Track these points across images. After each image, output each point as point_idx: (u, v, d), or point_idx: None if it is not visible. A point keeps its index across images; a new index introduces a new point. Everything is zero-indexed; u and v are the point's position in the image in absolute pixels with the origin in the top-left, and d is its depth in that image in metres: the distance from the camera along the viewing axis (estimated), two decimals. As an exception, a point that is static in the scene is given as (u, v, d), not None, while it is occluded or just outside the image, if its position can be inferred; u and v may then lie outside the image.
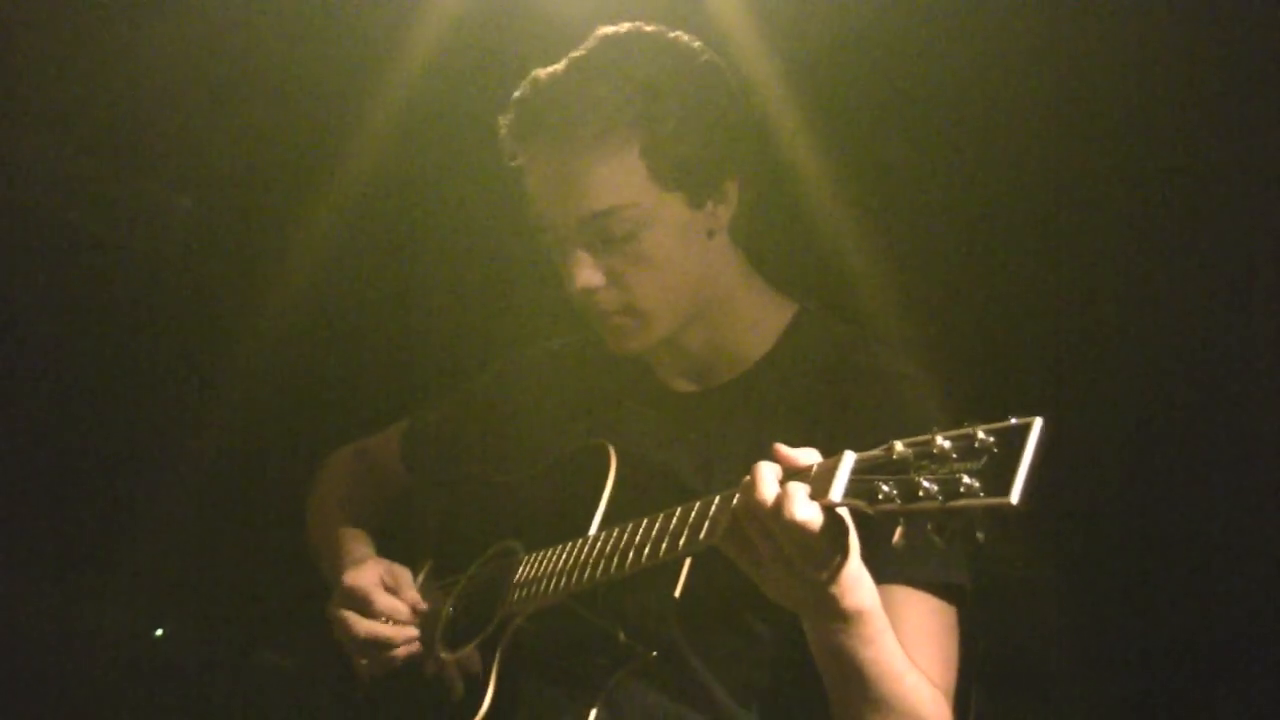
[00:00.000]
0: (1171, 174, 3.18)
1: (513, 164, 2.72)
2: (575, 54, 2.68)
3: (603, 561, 2.45)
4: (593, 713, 2.53)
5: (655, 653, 2.53)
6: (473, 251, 3.89)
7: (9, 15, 3.47)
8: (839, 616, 2.24)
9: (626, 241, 2.63)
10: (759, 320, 2.75)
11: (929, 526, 2.01)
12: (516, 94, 2.71)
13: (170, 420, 3.93)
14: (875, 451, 2.09)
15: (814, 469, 2.17)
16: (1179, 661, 3.18)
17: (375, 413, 3.29)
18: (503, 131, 2.73)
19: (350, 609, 2.79)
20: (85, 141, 3.38)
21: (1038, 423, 1.94)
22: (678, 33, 2.71)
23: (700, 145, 2.63)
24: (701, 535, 2.27)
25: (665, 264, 2.65)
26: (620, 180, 2.61)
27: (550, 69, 2.68)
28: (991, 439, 1.96)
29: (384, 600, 2.78)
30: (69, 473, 3.92)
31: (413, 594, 2.80)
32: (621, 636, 2.54)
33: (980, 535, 1.98)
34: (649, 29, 2.71)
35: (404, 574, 2.84)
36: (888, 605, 2.32)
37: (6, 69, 3.39)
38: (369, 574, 2.83)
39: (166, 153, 3.70)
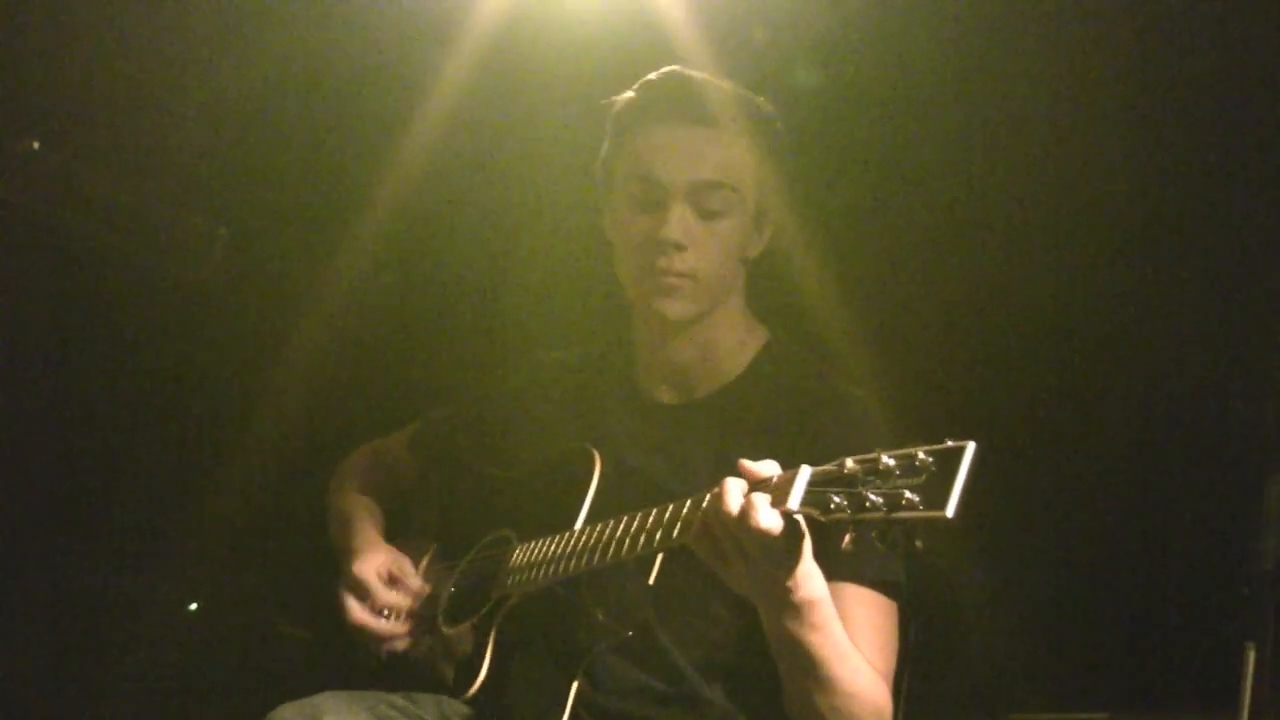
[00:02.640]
0: (1137, 193, 3.44)
1: (623, 138, 2.96)
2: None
3: (587, 552, 2.68)
4: (575, 683, 2.74)
5: (631, 632, 2.75)
6: (494, 275, 4.08)
7: (57, 49, 3.62)
8: (792, 605, 2.48)
9: (715, 218, 2.90)
10: (740, 342, 3.00)
11: (874, 534, 2.23)
12: (647, 79, 2.97)
13: (207, 424, 4.15)
14: (829, 467, 2.30)
15: (774, 480, 2.39)
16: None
17: (396, 418, 3.49)
18: (620, 107, 2.98)
19: (354, 596, 3.07)
20: (129, 172, 3.54)
21: (970, 446, 2.15)
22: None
23: (775, 177, 2.93)
24: (675, 534, 2.50)
25: (726, 252, 2.93)
26: (740, 164, 2.91)
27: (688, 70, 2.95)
28: (930, 459, 2.17)
29: (383, 595, 3.06)
30: (115, 468, 4.15)
31: (413, 583, 3.06)
32: (601, 617, 2.74)
33: (919, 543, 2.20)
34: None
35: (406, 563, 3.10)
36: (836, 601, 2.56)
37: (52, 100, 3.52)
38: (372, 564, 3.09)
39: (206, 184, 3.86)
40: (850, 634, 2.61)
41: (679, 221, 2.89)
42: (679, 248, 2.89)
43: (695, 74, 2.95)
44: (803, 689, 2.59)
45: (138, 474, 4.14)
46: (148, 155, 3.76)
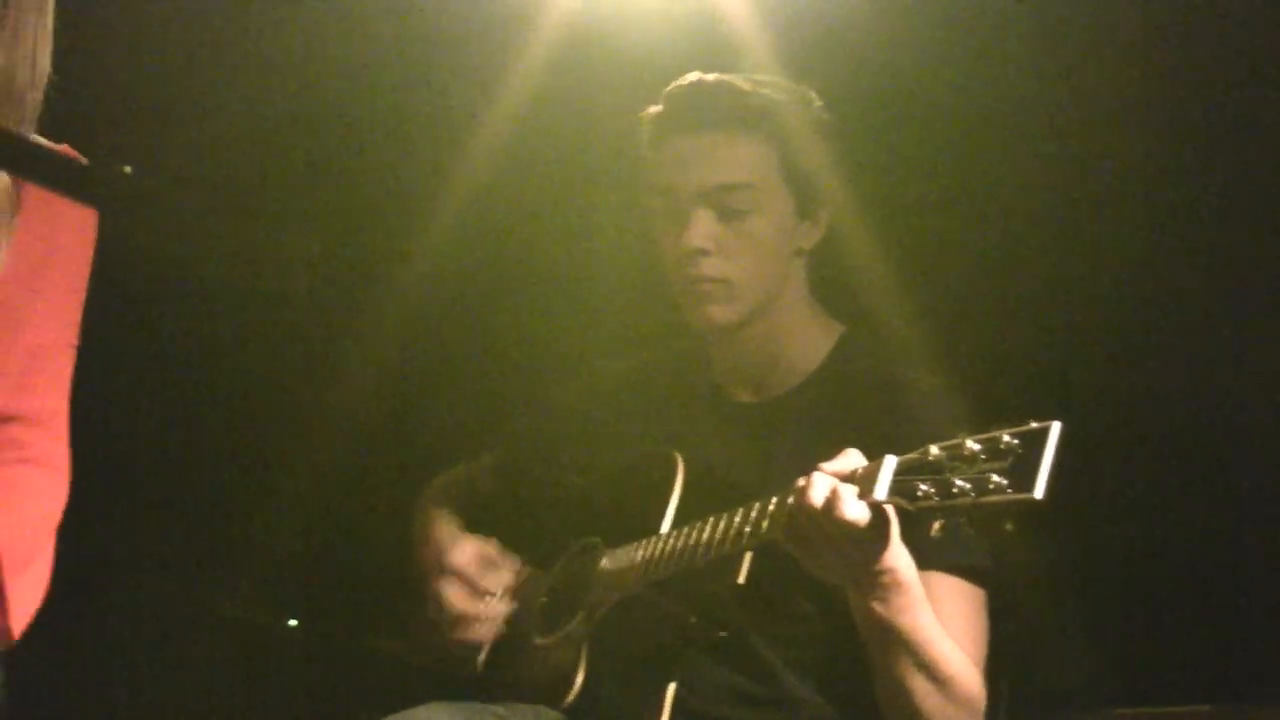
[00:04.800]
0: (1188, 179, 3.42)
1: (649, 152, 2.99)
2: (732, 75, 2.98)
3: (674, 556, 2.71)
4: (671, 686, 2.75)
5: (723, 633, 2.76)
6: (567, 282, 4.11)
7: (150, 67, 3.72)
8: (882, 589, 2.50)
9: (741, 217, 2.90)
10: (811, 338, 3.01)
11: (963, 519, 2.26)
12: (670, 89, 2.99)
13: (295, 440, 4.18)
14: (913, 455, 2.33)
15: (860, 471, 2.41)
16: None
17: (477, 428, 3.54)
18: (647, 120, 3.00)
19: (451, 585, 3.06)
20: (222, 192, 3.63)
21: (1056, 426, 2.17)
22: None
23: (818, 165, 2.92)
24: (763, 530, 2.52)
25: (762, 249, 2.92)
26: (754, 161, 2.90)
27: (710, 74, 2.97)
28: (1016, 441, 2.18)
29: (482, 579, 3.04)
30: (203, 484, 4.21)
31: (507, 573, 3.06)
32: (693, 620, 2.77)
33: (1010, 526, 2.22)
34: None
35: (499, 553, 3.09)
36: (925, 590, 2.58)
37: (145, 120, 3.64)
38: (465, 552, 3.08)
39: (299, 200, 3.96)
40: (941, 623, 2.62)
41: (700, 227, 2.90)
42: (704, 253, 2.90)
43: (711, 77, 2.97)
44: (896, 676, 2.60)
45: (227, 490, 4.20)
46: (233, 173, 3.85)
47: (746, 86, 2.94)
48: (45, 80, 2.50)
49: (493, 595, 3.06)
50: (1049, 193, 3.62)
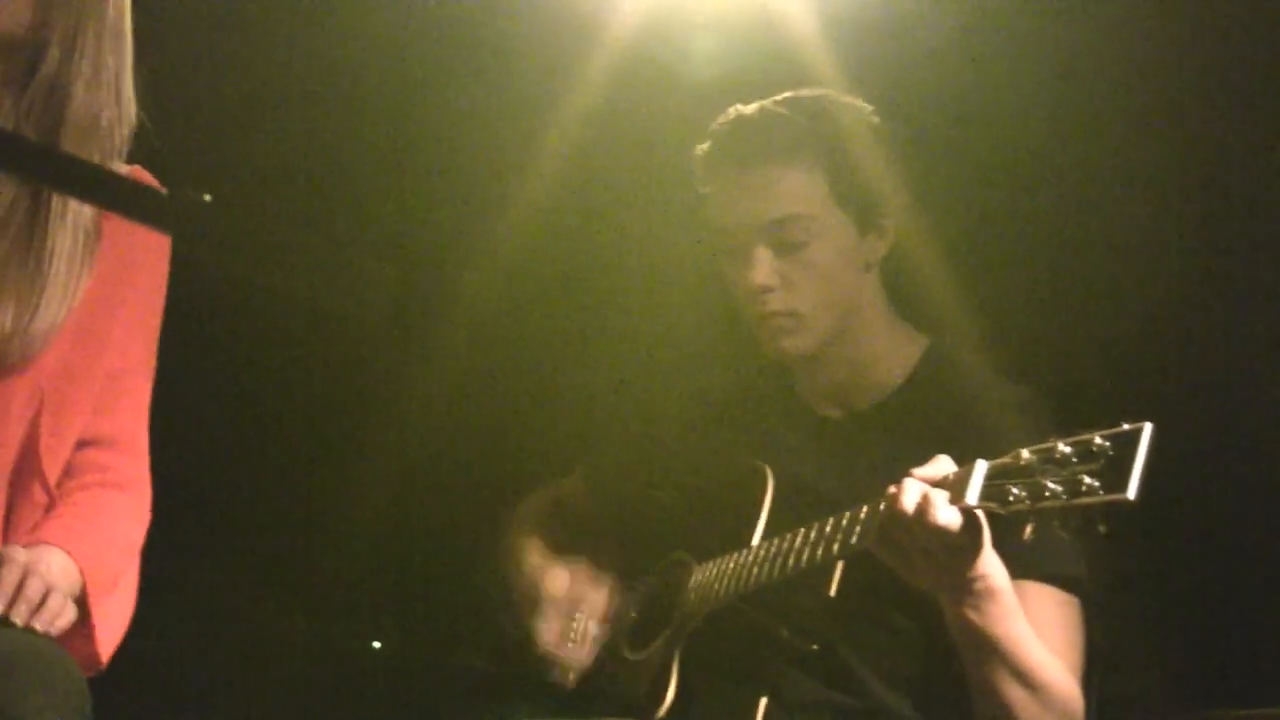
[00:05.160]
0: (1267, 184, 3.41)
1: (704, 190, 3.00)
2: (774, 98, 2.98)
3: (765, 567, 2.71)
4: (763, 700, 2.74)
5: (814, 646, 2.75)
6: (648, 302, 4.13)
7: (224, 91, 3.78)
8: (975, 596, 2.50)
9: (799, 249, 2.89)
10: (895, 351, 3.00)
11: (1055, 523, 2.24)
12: (714, 126, 3.00)
13: (378, 458, 4.21)
14: (1004, 459, 2.33)
15: (951, 476, 2.42)
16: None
17: (560, 444, 3.58)
18: (697, 159, 3.01)
19: (545, 615, 3.06)
20: (296, 215, 3.67)
21: (1148, 427, 2.18)
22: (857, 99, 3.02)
23: (873, 180, 2.91)
24: (853, 540, 2.53)
25: (827, 276, 2.91)
26: (803, 191, 2.89)
27: (752, 105, 2.98)
28: (1107, 443, 2.19)
29: (576, 604, 3.05)
30: (289, 504, 4.26)
31: (598, 596, 3.06)
32: (784, 633, 2.76)
33: (1102, 528, 2.21)
34: (835, 92, 3.03)
35: (589, 576, 3.09)
36: (1020, 599, 2.56)
37: (217, 149, 3.68)
38: (560, 579, 3.08)
39: (374, 224, 3.99)
40: (1036, 632, 2.60)
41: (760, 264, 2.90)
42: (768, 290, 2.91)
43: (751, 109, 2.97)
44: (991, 686, 2.59)
45: (307, 511, 4.24)
46: (312, 197, 3.92)
47: (788, 113, 2.94)
48: (132, 116, 2.53)
49: (585, 620, 3.06)
50: (1128, 196, 3.60)
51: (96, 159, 2.48)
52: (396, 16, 3.89)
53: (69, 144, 2.45)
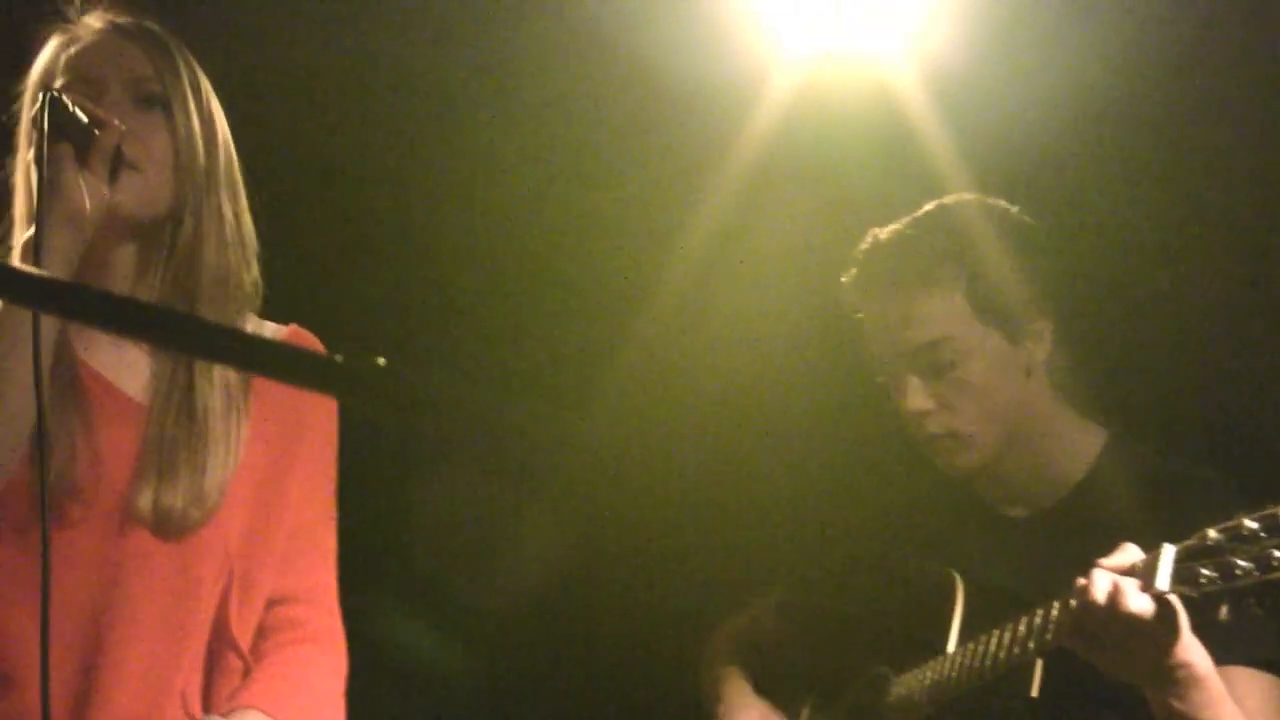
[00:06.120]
0: None
1: (856, 316, 3.04)
2: (911, 216, 3.03)
3: (965, 673, 2.70)
4: None
5: None
6: (821, 413, 4.11)
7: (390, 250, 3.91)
8: (1179, 684, 2.44)
9: (950, 369, 2.91)
10: (1074, 446, 2.98)
11: (1251, 601, 2.22)
12: (858, 250, 3.05)
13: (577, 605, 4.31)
14: (1191, 541, 2.31)
15: (1139, 564, 2.40)
16: None
17: (738, 567, 3.59)
18: (845, 285, 3.06)
19: None
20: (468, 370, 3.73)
21: None
22: (997, 200, 3.04)
23: (1016, 289, 2.91)
24: (1048, 636, 2.52)
25: (985, 391, 2.91)
26: (945, 315, 2.91)
27: (888, 228, 3.03)
28: None
29: None
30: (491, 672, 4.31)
31: None
32: None
33: None
34: (970, 195, 3.05)
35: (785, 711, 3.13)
36: (1227, 686, 2.50)
37: (387, 313, 3.79)
38: (755, 717, 3.12)
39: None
40: (1245, 718, 2.54)
41: (913, 391, 2.93)
42: (925, 414, 2.93)
43: (886, 235, 3.01)
44: None
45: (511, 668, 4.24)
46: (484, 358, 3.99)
47: (922, 235, 2.97)
48: (254, 255, 2.62)
49: None
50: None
51: (234, 311, 2.59)
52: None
53: (210, 306, 2.56)
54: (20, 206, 2.55)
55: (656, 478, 4.10)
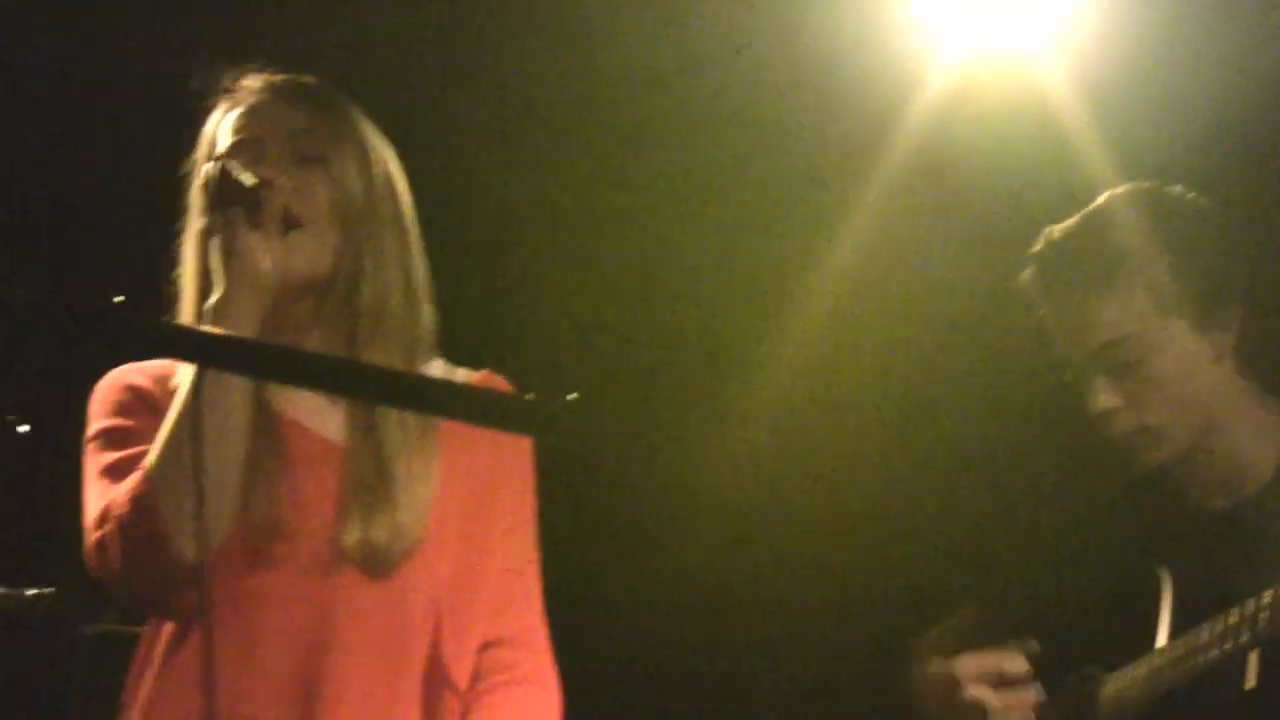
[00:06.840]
0: None
1: (1038, 314, 3.00)
2: (1083, 211, 2.98)
3: (1177, 668, 2.67)
4: None
5: None
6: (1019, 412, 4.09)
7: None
8: None
9: (1136, 366, 2.85)
10: (1272, 430, 2.92)
11: None
12: (1033, 250, 3.00)
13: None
14: None
15: None
16: None
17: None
18: (1023, 285, 3.02)
19: (981, 683, 2.98)
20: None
21: None
22: (1175, 186, 2.98)
23: (1197, 278, 2.85)
24: (1261, 624, 2.48)
25: (1174, 385, 2.86)
26: (1125, 314, 2.85)
27: (1062, 225, 2.98)
28: None
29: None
30: None
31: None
32: None
33: None
34: (1145, 184, 2.99)
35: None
36: None
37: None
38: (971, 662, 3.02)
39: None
40: None
41: (1101, 391, 2.87)
42: (1113, 413, 2.87)
43: (1060, 232, 2.95)
44: None
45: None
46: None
47: (1096, 233, 2.91)
48: (427, 297, 2.66)
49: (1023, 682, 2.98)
50: None
51: (421, 355, 2.63)
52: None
53: (399, 355, 2.59)
54: (189, 276, 2.59)
55: (823, 489, 4.09)
